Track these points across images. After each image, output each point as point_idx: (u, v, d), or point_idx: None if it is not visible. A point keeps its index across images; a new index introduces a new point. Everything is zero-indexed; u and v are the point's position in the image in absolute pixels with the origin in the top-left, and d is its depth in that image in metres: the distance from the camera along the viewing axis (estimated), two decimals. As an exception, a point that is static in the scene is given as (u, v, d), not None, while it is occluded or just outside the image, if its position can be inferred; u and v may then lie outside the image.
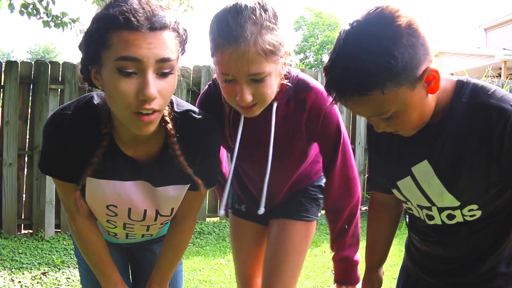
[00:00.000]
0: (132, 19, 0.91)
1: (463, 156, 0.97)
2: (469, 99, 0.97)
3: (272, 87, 1.18)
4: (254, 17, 1.10)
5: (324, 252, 3.82)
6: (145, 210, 1.22)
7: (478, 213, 1.03)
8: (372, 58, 0.86)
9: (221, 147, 1.56)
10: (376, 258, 1.34)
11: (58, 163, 1.13)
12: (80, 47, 1.01)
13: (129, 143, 1.13)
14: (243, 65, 1.10)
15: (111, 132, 1.10)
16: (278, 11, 1.16)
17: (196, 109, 1.18)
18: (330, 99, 0.98)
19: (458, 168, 0.98)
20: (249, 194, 1.55)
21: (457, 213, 1.04)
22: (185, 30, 1.04)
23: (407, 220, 1.25)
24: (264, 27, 1.11)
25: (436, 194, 1.04)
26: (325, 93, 1.24)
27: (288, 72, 1.29)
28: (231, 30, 1.09)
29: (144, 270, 1.43)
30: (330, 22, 33.54)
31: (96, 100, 1.12)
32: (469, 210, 1.03)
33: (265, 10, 1.12)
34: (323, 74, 0.97)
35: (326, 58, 33.69)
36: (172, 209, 1.24)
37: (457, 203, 1.02)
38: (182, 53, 1.05)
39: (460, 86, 1.00)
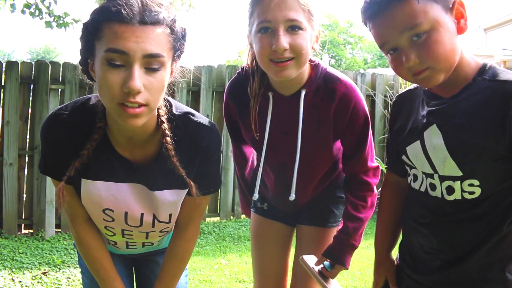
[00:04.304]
0: (123, 11, 0.91)
1: (474, 126, 0.98)
2: (491, 76, 1.00)
3: (307, 46, 1.21)
4: None
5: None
6: (142, 214, 1.19)
7: (478, 191, 1.01)
8: None
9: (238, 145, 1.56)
10: (388, 240, 1.32)
11: (54, 163, 1.13)
12: (79, 38, 1.03)
13: (125, 145, 1.12)
14: (281, 9, 1.16)
15: (105, 127, 1.10)
16: None
17: (195, 112, 1.18)
18: (363, 17, 1.04)
19: (466, 136, 0.99)
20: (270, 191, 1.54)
21: (457, 186, 1.03)
22: (183, 29, 1.03)
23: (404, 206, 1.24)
24: None
25: (439, 160, 1.04)
26: (354, 86, 1.32)
27: (318, 63, 1.33)
28: None
29: (149, 282, 1.40)
30: (330, 23, 33.55)
31: (93, 101, 1.12)
32: (469, 185, 1.02)
33: None
34: None
35: (326, 58, 33.74)
36: (170, 215, 1.22)
37: (459, 173, 1.01)
38: (179, 52, 1.05)
39: (484, 67, 1.03)
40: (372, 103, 5.16)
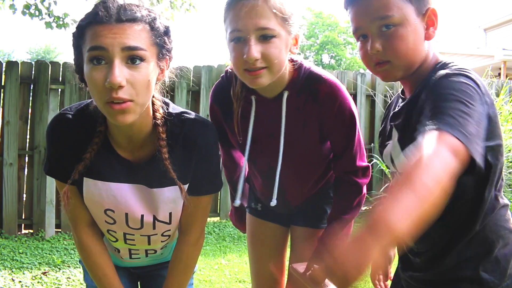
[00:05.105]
0: (101, 13, 0.97)
1: (414, 122, 1.01)
2: (434, 73, 1.00)
3: (281, 54, 1.19)
4: None
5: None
6: (142, 216, 1.19)
7: None
8: None
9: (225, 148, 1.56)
10: None
11: (59, 164, 1.15)
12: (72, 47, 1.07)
13: (125, 146, 1.14)
14: (251, 17, 1.14)
15: (105, 131, 1.12)
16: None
17: (191, 112, 1.19)
18: (345, 2, 1.07)
19: (409, 132, 1.03)
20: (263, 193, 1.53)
21: None
22: (165, 26, 1.06)
23: None
24: None
25: (396, 157, 1.09)
26: (339, 84, 1.30)
27: (300, 64, 1.31)
28: None
29: None
30: (330, 22, 33.54)
31: (94, 104, 1.14)
32: None
33: None
34: None
35: (326, 58, 33.78)
36: (171, 214, 1.21)
37: None
38: (164, 50, 1.06)
39: (437, 63, 1.05)
40: (372, 103, 5.16)
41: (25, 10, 5.17)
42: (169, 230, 1.26)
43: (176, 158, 1.13)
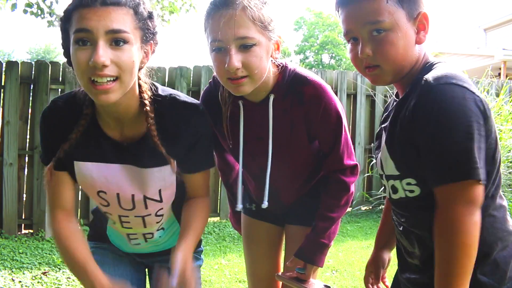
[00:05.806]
0: None
1: (399, 125, 1.02)
2: (421, 75, 1.00)
3: (262, 61, 1.20)
4: None
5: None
6: (133, 196, 1.23)
7: (417, 190, 1.03)
8: None
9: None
10: (384, 239, 1.35)
11: (52, 151, 1.19)
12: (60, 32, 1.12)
13: (114, 126, 1.18)
14: (230, 27, 1.15)
15: (92, 113, 1.17)
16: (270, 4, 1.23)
17: (182, 94, 1.22)
18: (336, 3, 1.07)
19: (396, 135, 1.03)
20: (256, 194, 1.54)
21: (398, 185, 1.06)
22: (149, 11, 1.10)
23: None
24: None
25: (384, 159, 1.09)
26: (324, 85, 1.30)
27: (285, 66, 1.32)
28: None
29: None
30: (330, 23, 33.54)
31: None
32: (407, 184, 1.04)
33: None
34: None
35: (326, 58, 33.79)
36: (160, 190, 1.24)
37: (397, 172, 1.05)
38: (148, 34, 1.10)
39: (425, 64, 1.05)
40: (372, 103, 5.16)
41: (26, 8, 5.18)
42: (162, 208, 1.28)
43: (165, 137, 1.16)
